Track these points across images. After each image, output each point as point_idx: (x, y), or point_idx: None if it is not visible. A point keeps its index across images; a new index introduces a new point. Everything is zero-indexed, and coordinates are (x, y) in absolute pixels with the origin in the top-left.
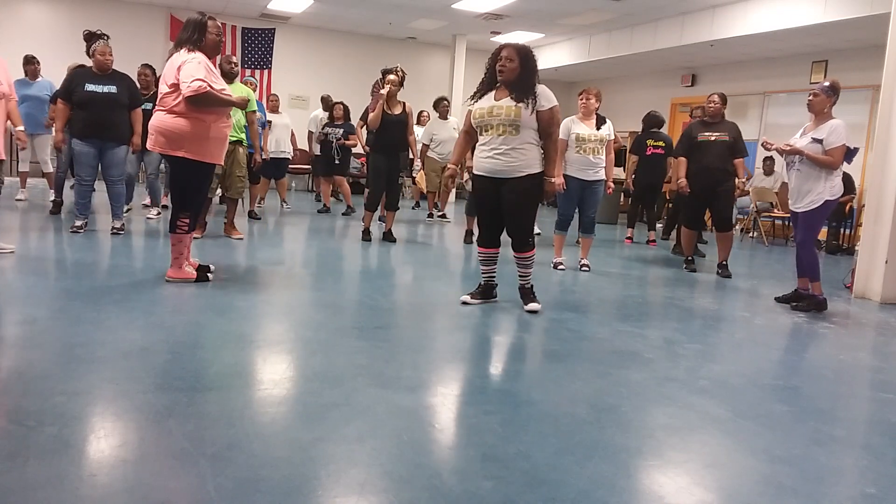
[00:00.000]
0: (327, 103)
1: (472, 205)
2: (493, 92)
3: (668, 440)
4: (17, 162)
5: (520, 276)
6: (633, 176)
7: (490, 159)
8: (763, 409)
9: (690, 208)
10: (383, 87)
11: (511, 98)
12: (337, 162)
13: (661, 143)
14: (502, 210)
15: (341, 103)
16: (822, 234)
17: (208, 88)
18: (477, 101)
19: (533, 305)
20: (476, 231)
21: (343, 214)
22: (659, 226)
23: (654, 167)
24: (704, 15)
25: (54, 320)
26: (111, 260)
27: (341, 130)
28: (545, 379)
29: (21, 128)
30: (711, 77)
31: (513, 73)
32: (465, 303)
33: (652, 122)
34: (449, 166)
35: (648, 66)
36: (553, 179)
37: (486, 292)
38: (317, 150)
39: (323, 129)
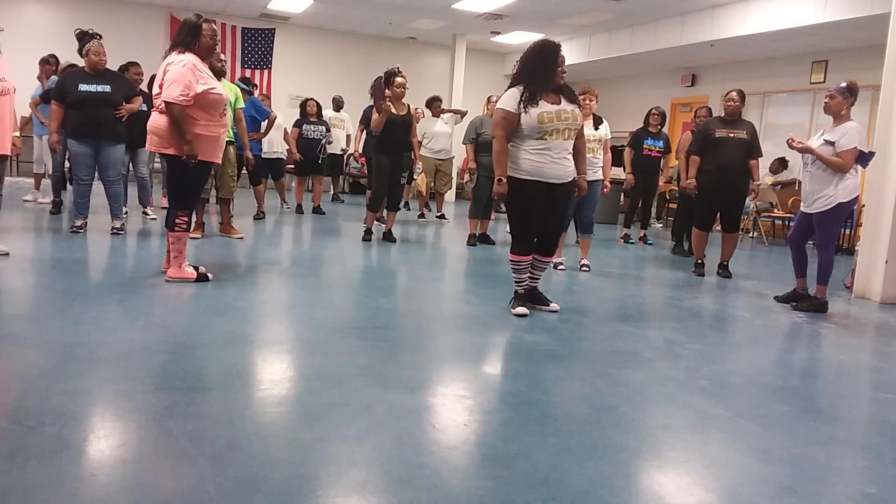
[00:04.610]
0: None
1: (478, 208)
2: (542, 96)
3: (668, 440)
4: (33, 164)
5: (536, 279)
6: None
7: (556, 164)
8: (763, 409)
9: (705, 209)
10: (389, 93)
11: (568, 102)
12: (319, 162)
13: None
14: (546, 214)
15: (314, 100)
16: None
17: (182, 105)
18: (533, 106)
19: (555, 305)
20: (477, 234)
21: (313, 212)
22: (659, 225)
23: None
24: (704, 15)
25: (54, 320)
26: (111, 260)
27: (322, 128)
28: (545, 379)
29: (17, 133)
30: (711, 77)
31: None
32: (523, 315)
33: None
34: (502, 179)
35: (648, 66)
36: (585, 177)
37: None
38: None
39: (300, 126)
